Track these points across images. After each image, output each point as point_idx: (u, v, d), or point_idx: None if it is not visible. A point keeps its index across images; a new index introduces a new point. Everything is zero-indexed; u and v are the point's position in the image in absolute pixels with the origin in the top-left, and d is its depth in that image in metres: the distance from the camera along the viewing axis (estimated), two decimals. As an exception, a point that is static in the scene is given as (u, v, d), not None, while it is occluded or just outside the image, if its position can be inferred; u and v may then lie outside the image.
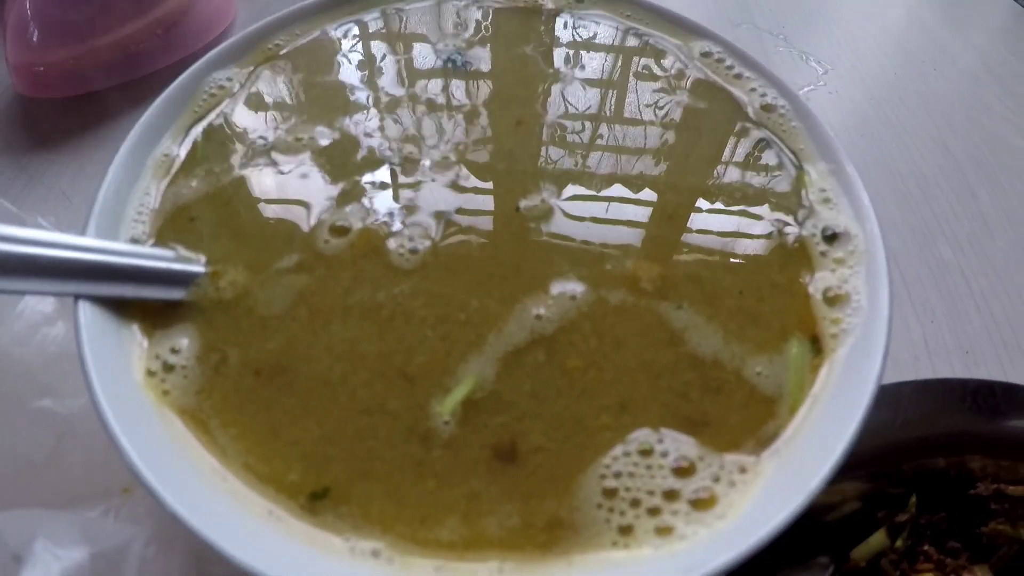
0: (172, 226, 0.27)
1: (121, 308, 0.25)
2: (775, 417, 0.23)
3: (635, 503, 0.21)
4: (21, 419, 0.26)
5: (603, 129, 0.32)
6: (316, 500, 0.21)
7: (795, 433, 0.23)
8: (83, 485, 0.26)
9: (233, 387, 0.24)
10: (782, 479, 0.22)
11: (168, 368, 0.24)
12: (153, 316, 0.25)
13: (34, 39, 0.45)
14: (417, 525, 0.21)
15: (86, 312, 0.24)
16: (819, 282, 0.27)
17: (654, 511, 0.21)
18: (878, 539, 0.33)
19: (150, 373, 0.24)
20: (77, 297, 0.24)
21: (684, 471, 0.22)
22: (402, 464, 0.22)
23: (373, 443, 0.22)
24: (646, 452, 0.22)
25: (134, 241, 0.27)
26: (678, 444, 0.22)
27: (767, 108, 0.33)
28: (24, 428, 0.26)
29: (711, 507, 0.21)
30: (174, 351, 0.24)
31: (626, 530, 0.21)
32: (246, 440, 0.22)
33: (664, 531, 0.20)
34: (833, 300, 0.27)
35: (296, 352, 0.24)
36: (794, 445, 0.23)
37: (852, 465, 0.27)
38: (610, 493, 0.21)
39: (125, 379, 0.24)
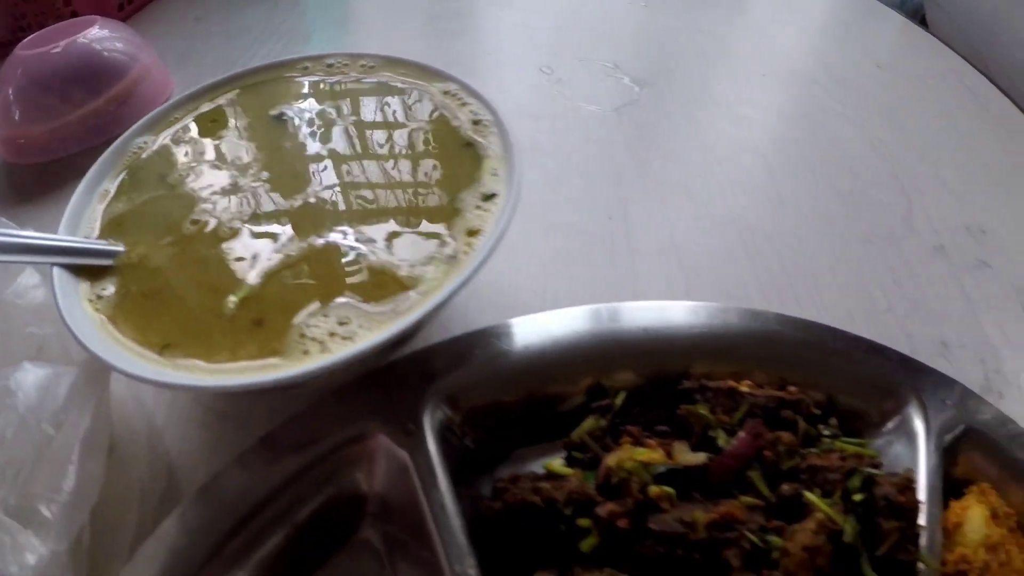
0: (107, 228, 0.50)
1: (77, 271, 0.47)
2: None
3: (315, 340, 0.42)
4: (18, 341, 0.48)
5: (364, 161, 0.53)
6: (164, 349, 0.42)
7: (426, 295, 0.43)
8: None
9: (132, 304, 0.45)
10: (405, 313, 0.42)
11: (100, 298, 0.46)
12: (94, 274, 0.47)
13: (16, 118, 0.66)
14: (211, 355, 0.42)
15: (59, 274, 0.46)
16: (470, 223, 0.47)
17: (325, 341, 0.41)
18: (590, 422, 0.47)
19: (90, 301, 0.46)
20: (53, 265, 0.46)
21: (375, 288, 0.43)
22: (209, 330, 0.43)
23: (196, 321, 0.44)
24: (325, 315, 0.43)
25: (86, 236, 0.49)
26: (343, 310, 0.43)
27: (476, 123, 0.53)
28: (17, 347, 0.48)
29: (353, 339, 0.41)
30: (104, 289, 0.46)
31: (312, 347, 0.41)
32: (136, 326, 0.44)
33: (328, 348, 0.41)
34: (473, 232, 0.47)
35: (166, 284, 0.46)
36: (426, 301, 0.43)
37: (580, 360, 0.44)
38: (305, 337, 0.42)
39: (78, 306, 0.45)
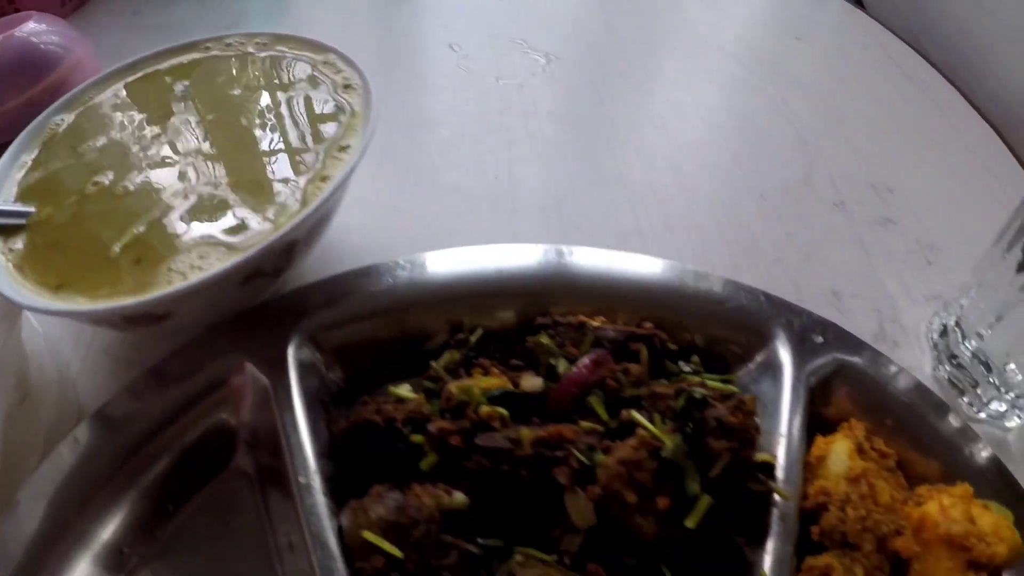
0: (23, 193, 0.55)
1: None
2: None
3: (179, 272, 0.46)
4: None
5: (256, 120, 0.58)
6: (58, 288, 0.47)
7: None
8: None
9: (37, 255, 0.50)
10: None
11: (11, 251, 0.51)
12: (9, 232, 0.52)
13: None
14: (95, 291, 0.46)
15: (-24, 233, 0.51)
16: (324, 171, 0.51)
17: (186, 273, 0.45)
18: (446, 356, 0.51)
19: (3, 254, 0.51)
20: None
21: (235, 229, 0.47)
22: (96, 271, 0.48)
23: (87, 265, 0.48)
24: (190, 253, 0.47)
25: (4, 200, 0.54)
26: (206, 248, 0.47)
27: (346, 87, 0.57)
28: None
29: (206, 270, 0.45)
30: (15, 244, 0.51)
31: (176, 278, 0.45)
32: (37, 272, 0.49)
33: (187, 278, 0.45)
34: (325, 178, 0.51)
35: (66, 236, 0.51)
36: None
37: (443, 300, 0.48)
38: (172, 271, 0.46)
39: (-7, 257, 0.51)
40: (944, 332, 0.66)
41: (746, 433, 0.44)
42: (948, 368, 0.64)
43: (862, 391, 0.54)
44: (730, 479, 0.43)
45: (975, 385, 0.65)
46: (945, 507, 0.45)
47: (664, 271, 0.55)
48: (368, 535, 0.40)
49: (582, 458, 0.42)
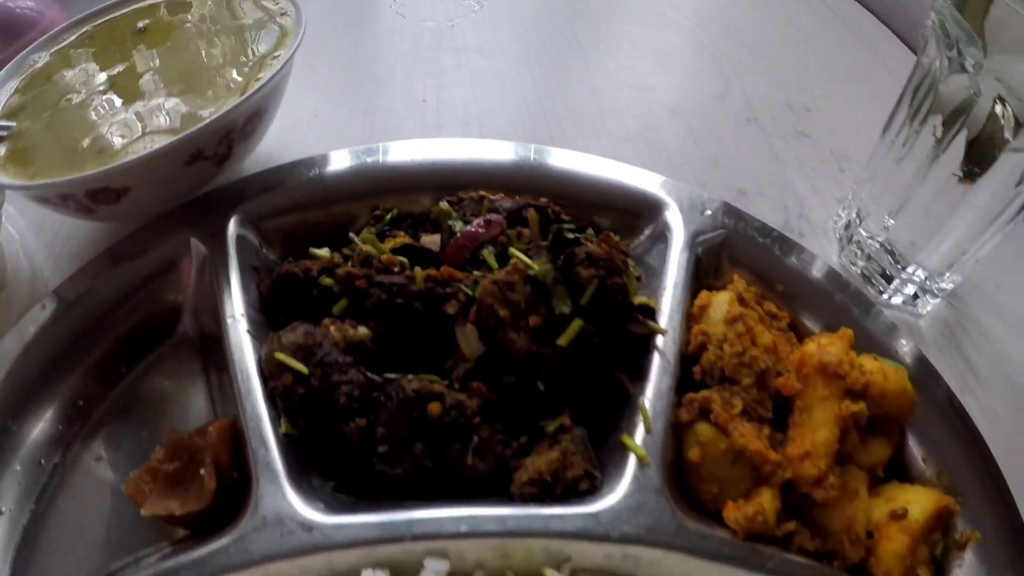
0: (6, 114, 0.63)
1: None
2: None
3: (134, 154, 0.53)
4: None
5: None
6: (34, 176, 0.54)
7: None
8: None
9: (18, 156, 0.58)
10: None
11: None
12: None
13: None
14: (64, 175, 0.53)
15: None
16: (260, 71, 0.58)
17: (140, 154, 0.53)
18: (366, 231, 0.57)
19: None
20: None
21: (183, 121, 0.54)
22: (66, 160, 0.55)
23: (59, 157, 0.56)
24: (143, 139, 0.54)
25: None
26: (160, 137, 0.54)
27: (283, 14, 0.65)
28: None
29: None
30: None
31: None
32: (17, 166, 0.57)
33: None
34: (259, 78, 0.58)
35: (41, 140, 0.59)
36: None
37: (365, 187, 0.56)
38: (129, 153, 0.53)
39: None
40: (848, 225, 0.70)
41: (612, 262, 0.48)
42: (859, 260, 0.69)
43: (750, 259, 0.59)
44: (603, 309, 0.48)
45: (883, 274, 0.69)
46: (823, 344, 0.50)
47: (564, 157, 0.61)
48: (279, 356, 0.46)
49: (468, 291, 0.48)
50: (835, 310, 0.58)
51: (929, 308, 0.67)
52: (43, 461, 0.51)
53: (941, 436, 0.51)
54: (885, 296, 0.67)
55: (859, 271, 0.68)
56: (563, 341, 0.46)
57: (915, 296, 0.67)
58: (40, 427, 0.52)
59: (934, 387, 0.53)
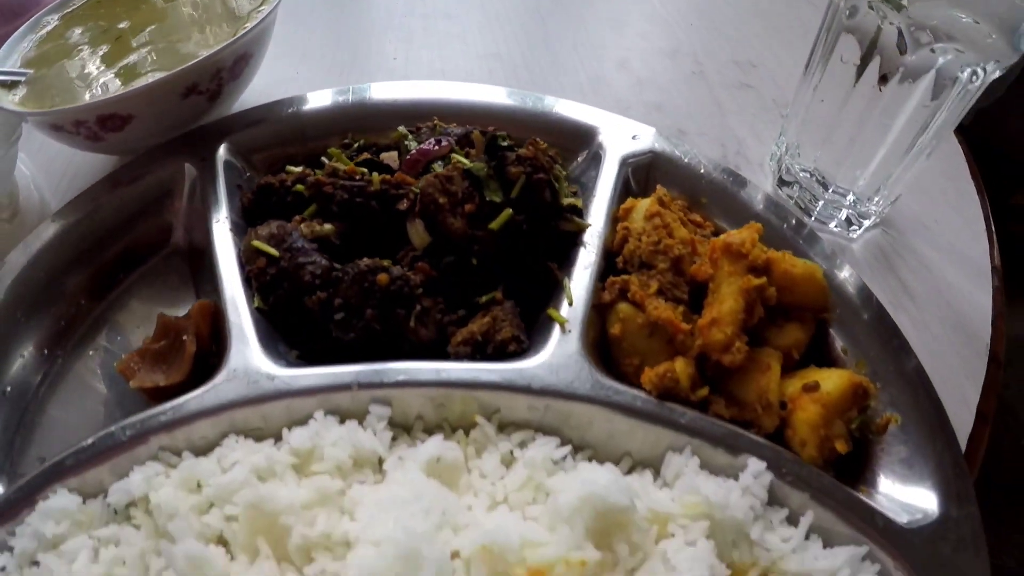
0: (24, 63, 0.71)
1: (5, 87, 0.68)
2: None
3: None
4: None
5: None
6: (51, 107, 0.62)
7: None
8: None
9: (35, 95, 0.66)
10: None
11: (14, 96, 0.67)
12: (10, 86, 0.68)
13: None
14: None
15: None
16: (247, 21, 0.66)
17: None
18: (336, 153, 0.65)
19: (11, 99, 0.66)
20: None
21: (181, 61, 0.62)
22: (79, 96, 0.63)
23: (72, 99, 0.63)
24: (146, 75, 0.62)
25: (11, 67, 0.71)
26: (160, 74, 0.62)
27: None
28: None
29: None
30: (19, 92, 0.67)
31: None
32: (35, 103, 0.65)
33: None
34: (244, 26, 0.65)
35: (55, 83, 0.67)
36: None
37: (340, 121, 0.64)
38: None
39: (3, 100, 0.66)
40: (780, 159, 0.76)
41: (537, 161, 0.56)
42: (793, 191, 0.75)
43: (675, 173, 0.66)
44: (533, 205, 0.55)
45: (815, 201, 0.75)
46: (732, 233, 0.56)
47: (510, 95, 0.69)
48: (255, 242, 0.54)
49: (417, 191, 0.55)
50: (752, 216, 0.63)
51: (861, 232, 0.73)
52: (46, 351, 0.59)
53: (865, 335, 0.57)
54: (815, 220, 0.73)
55: (793, 201, 0.74)
56: (494, 226, 0.53)
57: (848, 222, 0.73)
58: (45, 322, 0.59)
59: (860, 294, 0.59)
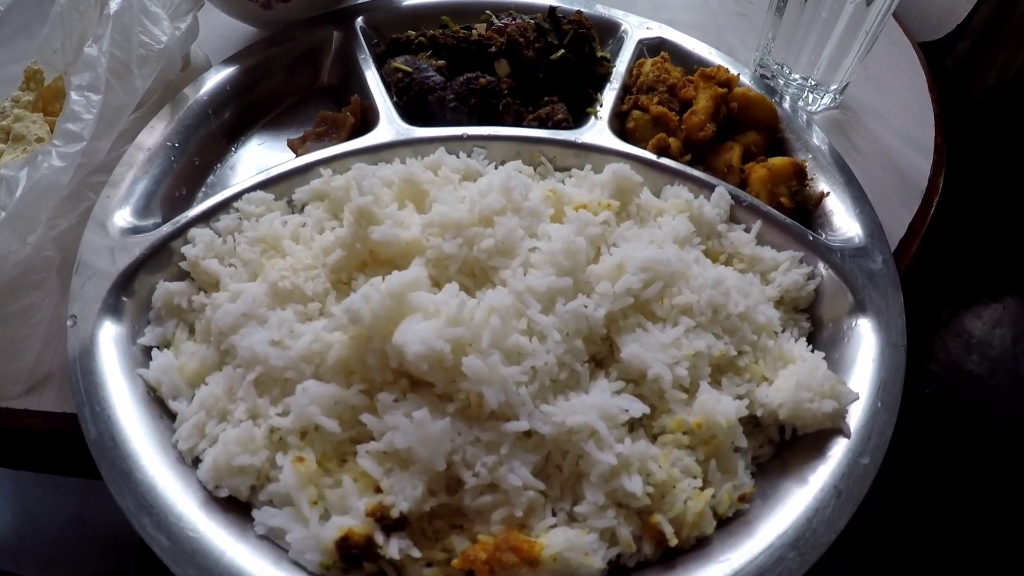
0: None
1: None
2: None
3: None
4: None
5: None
6: None
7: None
8: None
9: None
10: None
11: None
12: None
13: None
14: None
15: None
16: None
17: None
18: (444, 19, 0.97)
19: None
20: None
21: None
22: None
23: None
24: None
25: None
26: None
27: None
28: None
29: None
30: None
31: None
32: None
33: None
34: None
35: None
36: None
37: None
38: None
39: None
40: (760, 59, 1.04)
41: (582, 24, 0.86)
42: (770, 81, 1.02)
43: (676, 52, 0.94)
44: (578, 52, 0.84)
45: (787, 88, 1.03)
46: (707, 68, 0.85)
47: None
48: (395, 63, 0.82)
49: (502, 40, 0.84)
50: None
51: (820, 105, 0.98)
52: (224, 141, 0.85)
53: (815, 156, 0.83)
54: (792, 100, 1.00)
55: (769, 84, 1.02)
56: (553, 57, 0.81)
57: (810, 101, 1.00)
58: (207, 144, 0.85)
59: (815, 133, 0.85)
